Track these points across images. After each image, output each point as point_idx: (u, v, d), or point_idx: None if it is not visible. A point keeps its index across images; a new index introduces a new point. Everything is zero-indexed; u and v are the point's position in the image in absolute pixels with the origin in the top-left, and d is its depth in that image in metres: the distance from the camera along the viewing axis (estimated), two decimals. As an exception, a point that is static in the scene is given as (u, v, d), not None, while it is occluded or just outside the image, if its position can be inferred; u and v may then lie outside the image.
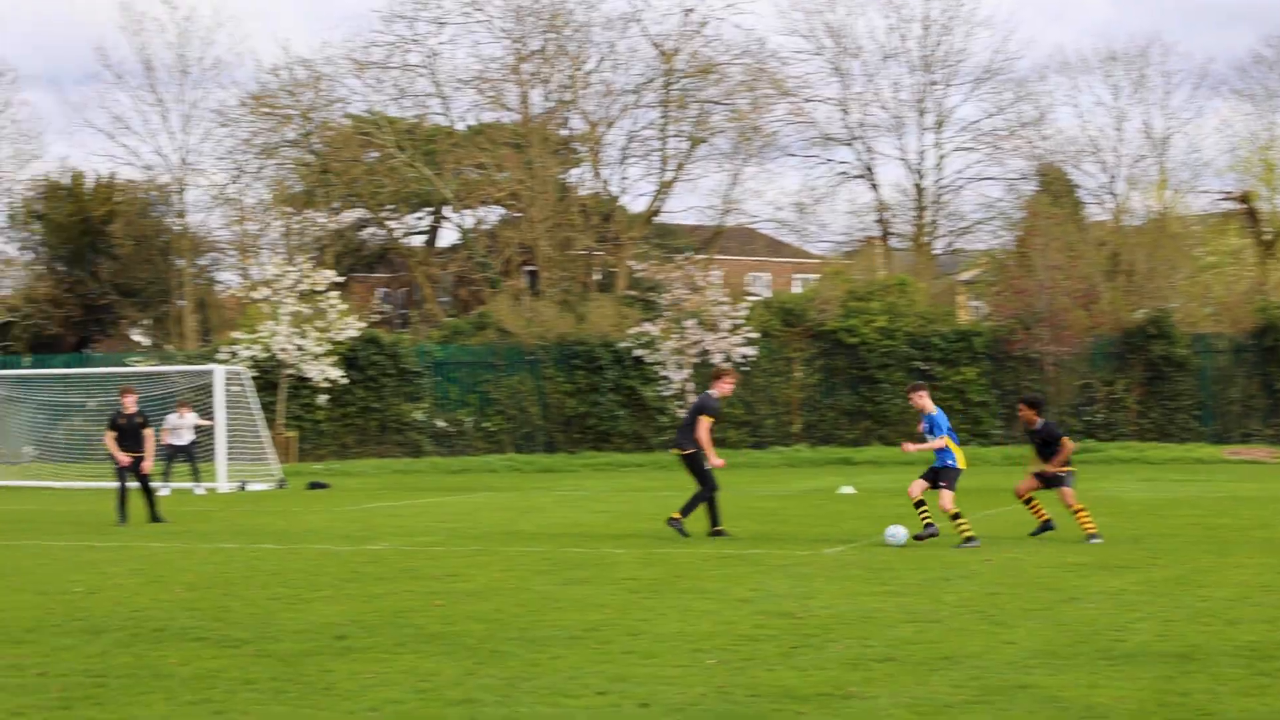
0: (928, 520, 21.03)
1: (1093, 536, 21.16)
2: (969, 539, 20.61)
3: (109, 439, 28.18)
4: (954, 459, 21.34)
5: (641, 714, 9.98)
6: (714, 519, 22.88)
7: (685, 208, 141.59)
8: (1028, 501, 22.24)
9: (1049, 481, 21.93)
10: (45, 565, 19.85)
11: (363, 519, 28.17)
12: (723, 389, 23.47)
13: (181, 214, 69.90)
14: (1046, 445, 22.04)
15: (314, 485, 40.99)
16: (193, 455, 39.38)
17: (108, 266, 72.71)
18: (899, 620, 13.89)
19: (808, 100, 68.59)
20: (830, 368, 54.67)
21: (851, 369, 54.48)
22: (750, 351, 52.84)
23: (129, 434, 27.98)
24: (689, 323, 52.53)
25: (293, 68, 67.31)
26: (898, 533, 20.74)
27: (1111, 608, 14.53)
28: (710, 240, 70.97)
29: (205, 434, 41.56)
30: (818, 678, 11.14)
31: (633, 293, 61.77)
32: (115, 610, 15.33)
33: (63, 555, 21.38)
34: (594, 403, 53.89)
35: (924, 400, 21.57)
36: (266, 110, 67.06)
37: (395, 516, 28.72)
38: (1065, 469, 21.84)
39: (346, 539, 23.57)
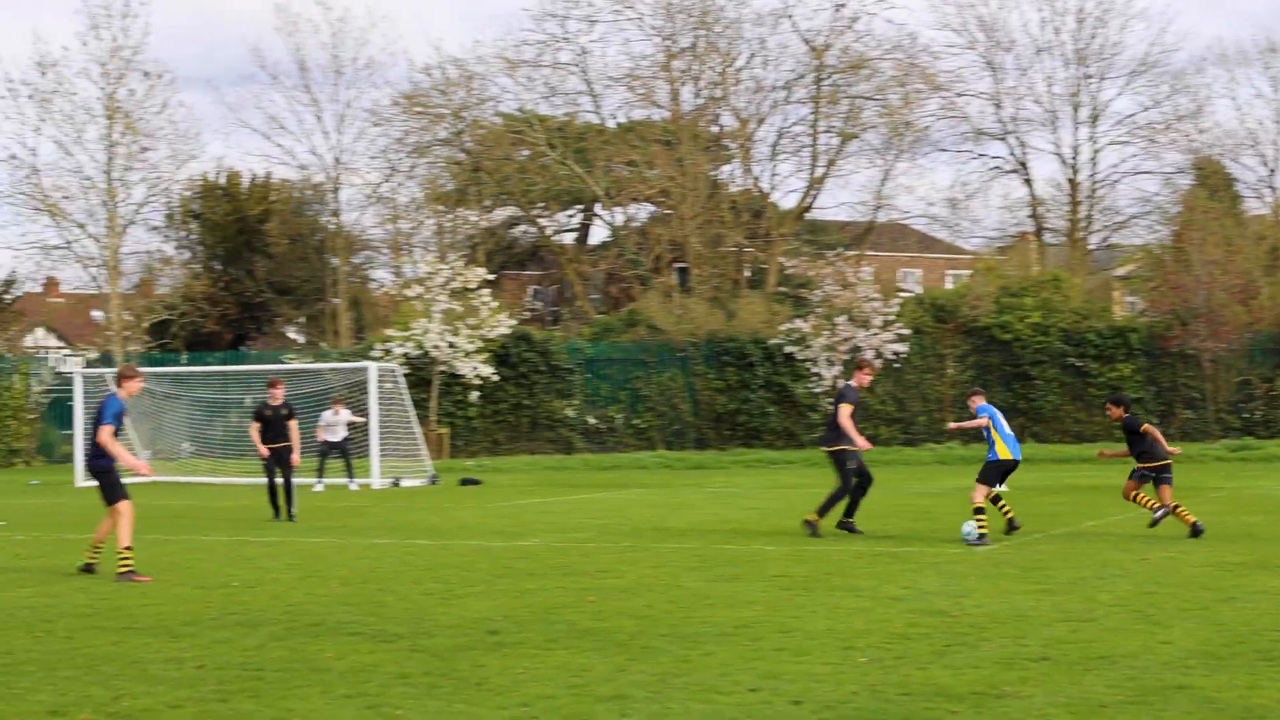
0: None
1: (1195, 527, 21.21)
2: (981, 536, 20.61)
3: (253, 430, 28.49)
4: (995, 452, 21.63)
5: (793, 711, 9.96)
6: (849, 510, 22.76)
7: (836, 204, 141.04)
8: (1134, 499, 22.10)
9: (1144, 478, 21.86)
10: (203, 560, 20.15)
11: (514, 515, 28.32)
12: (861, 379, 23.36)
13: (336, 213, 70.77)
14: (1130, 438, 22.13)
15: (466, 481, 41.28)
16: (346, 451, 39.82)
17: (263, 265, 73.71)
18: (1053, 619, 13.75)
19: (960, 95, 68.16)
20: (983, 364, 54.23)
21: (1005, 365, 54.02)
22: (902, 348, 52.54)
23: (274, 425, 28.19)
24: (840, 319, 52.32)
25: (445, 67, 67.94)
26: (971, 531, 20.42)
27: (1270, 607, 14.28)
28: (861, 236, 70.66)
29: (359, 431, 42.01)
30: (971, 676, 11.05)
31: (783, 289, 61.63)
32: (272, 604, 15.53)
33: (220, 550, 21.70)
34: (744, 399, 53.84)
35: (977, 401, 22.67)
36: (419, 109, 67.67)
37: (546, 513, 28.85)
38: (1160, 461, 21.76)
39: (498, 535, 23.71)
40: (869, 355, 51.38)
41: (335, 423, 39.68)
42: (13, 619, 14.68)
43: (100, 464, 18.18)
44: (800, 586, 16.31)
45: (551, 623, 13.86)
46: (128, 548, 18.20)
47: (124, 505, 18.17)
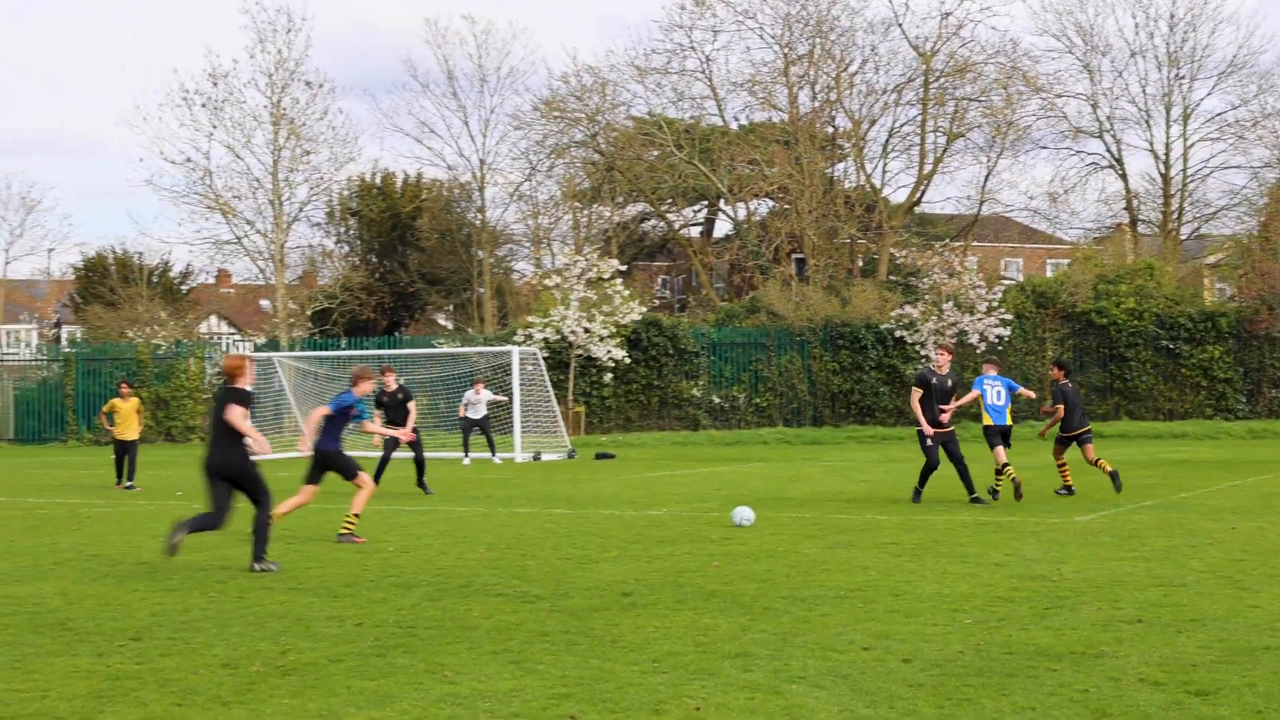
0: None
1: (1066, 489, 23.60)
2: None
3: (376, 416, 28.43)
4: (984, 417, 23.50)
5: (904, 669, 9.91)
6: (968, 487, 22.63)
7: (943, 198, 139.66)
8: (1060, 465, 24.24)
9: (1065, 442, 23.86)
10: (361, 527, 20.32)
11: (645, 487, 28.37)
12: (940, 363, 23.20)
13: (481, 209, 71.12)
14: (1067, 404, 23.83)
15: (601, 456, 41.39)
16: (487, 428, 40.01)
17: (415, 258, 74.28)
18: (1147, 584, 13.59)
19: (1059, 96, 67.31)
20: (1081, 347, 53.65)
21: (1101, 348, 53.43)
22: (1004, 332, 52.09)
23: (393, 409, 27.98)
24: (947, 305, 51.95)
25: (581, 75, 68.06)
26: (746, 514, 19.90)
27: (1356, 575, 14.04)
28: (967, 228, 70.10)
29: (501, 409, 42.22)
30: (1070, 637, 10.95)
31: (894, 278, 61.29)
32: (424, 567, 15.65)
33: (376, 518, 21.90)
34: (858, 380, 53.61)
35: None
36: (557, 114, 67.83)
37: (675, 484, 28.87)
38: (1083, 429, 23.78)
39: (630, 505, 23.76)
40: (975, 340, 51.06)
41: (477, 401, 39.86)
42: (189, 580, 14.90)
43: (331, 446, 18.34)
44: (910, 553, 16.23)
45: (680, 586, 13.87)
46: (356, 515, 18.66)
47: (364, 477, 18.34)
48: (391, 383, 27.79)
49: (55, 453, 50.33)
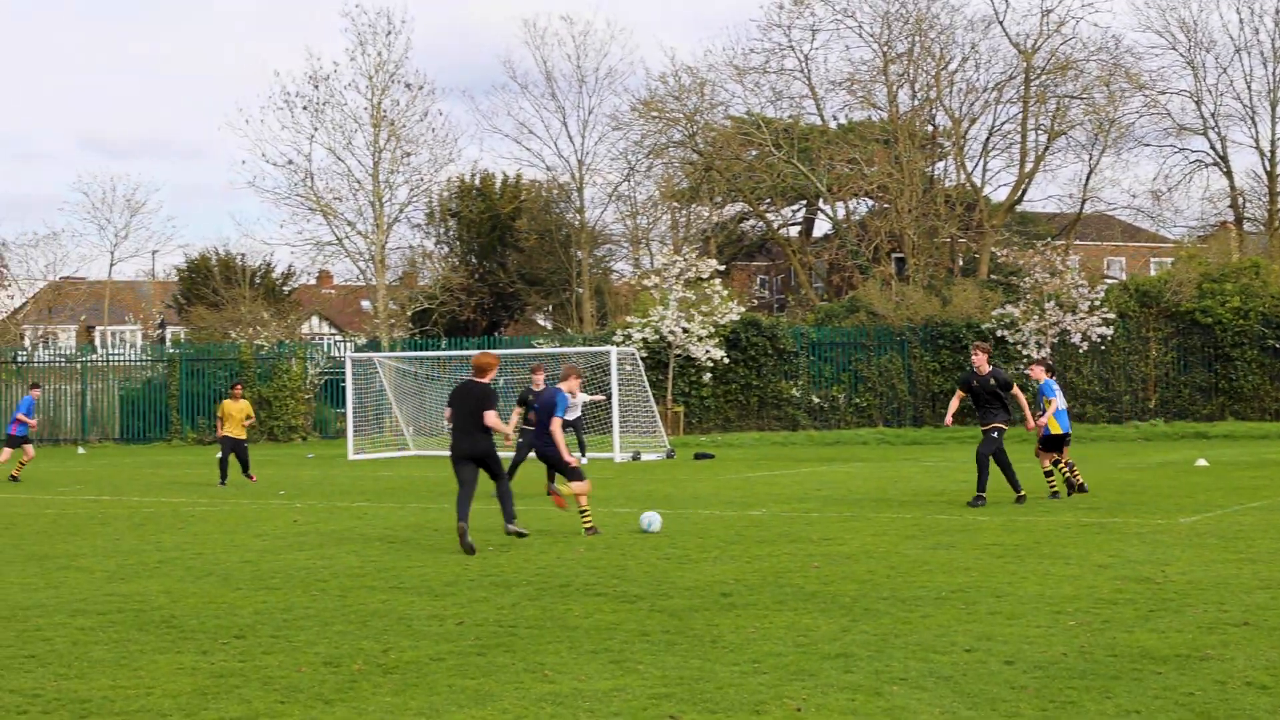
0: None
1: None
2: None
3: (515, 413, 28.57)
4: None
5: (1006, 671, 9.85)
6: (979, 486, 22.80)
7: (1045, 196, 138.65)
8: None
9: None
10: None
11: (744, 487, 28.34)
12: (976, 363, 23.18)
13: (580, 210, 71.32)
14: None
15: (700, 456, 41.35)
16: (579, 429, 40.04)
17: (514, 258, 74.65)
18: (1254, 586, 13.41)
19: (1162, 93, 66.57)
20: (1185, 346, 53.02)
21: (1206, 347, 52.77)
22: (1107, 332, 51.56)
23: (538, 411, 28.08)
24: (1049, 305, 51.50)
25: (679, 75, 68.07)
26: (652, 520, 19.70)
27: None
28: (1069, 227, 69.52)
29: (600, 408, 42.29)
30: (1175, 640, 10.83)
31: (995, 277, 60.84)
32: (524, 567, 15.71)
33: (476, 518, 21.98)
34: (959, 380, 53.28)
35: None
36: (656, 114, 67.89)
37: (774, 485, 28.82)
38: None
39: (730, 505, 23.74)
40: (1077, 339, 50.63)
41: (574, 404, 39.92)
42: (292, 579, 15.04)
43: (550, 452, 19.44)
44: (1012, 554, 16.11)
45: (780, 586, 13.85)
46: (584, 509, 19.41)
47: (584, 485, 19.24)
48: (540, 382, 27.86)
49: (159, 452, 50.96)
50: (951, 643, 10.85)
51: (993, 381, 22.60)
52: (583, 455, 39.68)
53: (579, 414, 39.82)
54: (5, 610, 13.17)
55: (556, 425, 19.23)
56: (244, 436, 31.95)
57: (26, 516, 23.48)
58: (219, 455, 31.98)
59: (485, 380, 18.01)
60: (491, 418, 17.74)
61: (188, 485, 31.60)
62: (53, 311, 75.45)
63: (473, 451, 17.95)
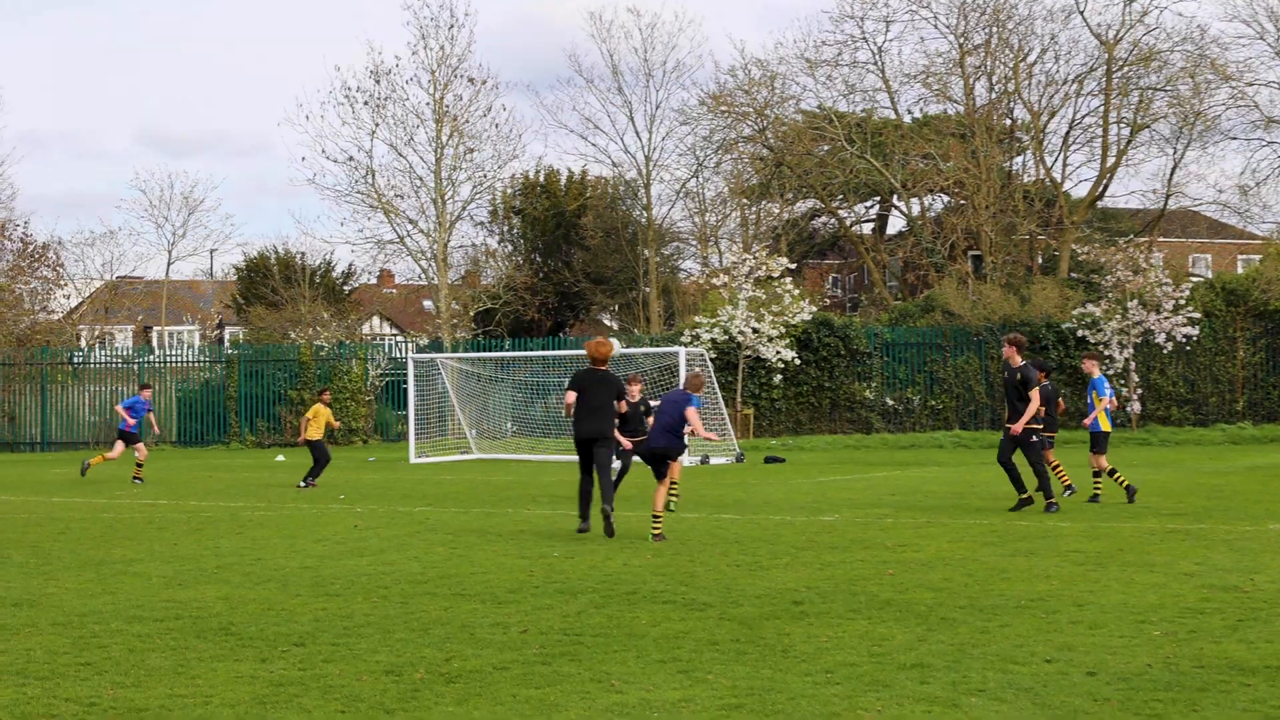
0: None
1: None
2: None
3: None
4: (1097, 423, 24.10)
5: (1089, 682, 9.77)
6: (1017, 487, 22.84)
7: (1127, 192, 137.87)
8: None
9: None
10: (525, 532, 20.48)
11: (816, 491, 28.27)
12: (1007, 354, 23.02)
13: (647, 207, 71.31)
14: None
15: (770, 459, 41.29)
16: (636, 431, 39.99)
17: (580, 256, 74.76)
18: (1349, 596, 13.26)
19: (1249, 84, 65.96)
20: (1275, 346, 52.52)
21: (1297, 348, 52.31)
22: (1192, 331, 51.12)
23: (630, 419, 28.28)
24: (1131, 304, 51.13)
25: (748, 68, 68.00)
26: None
27: None
28: (1152, 223, 68.98)
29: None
30: (1265, 651, 10.72)
31: (1075, 275, 60.47)
32: (590, 574, 15.72)
33: (540, 522, 22.03)
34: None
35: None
36: (724, 109, 67.85)
37: (847, 489, 28.73)
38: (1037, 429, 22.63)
39: (801, 510, 23.69)
40: (1162, 340, 50.25)
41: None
42: (352, 585, 15.10)
43: (677, 444, 19.68)
44: (1094, 562, 16.00)
45: (853, 594, 13.80)
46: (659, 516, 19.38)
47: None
48: (636, 392, 27.91)
49: (217, 455, 51.33)
50: (1031, 653, 10.78)
51: (1018, 376, 22.54)
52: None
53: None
54: (61, 617, 13.28)
55: (694, 414, 19.49)
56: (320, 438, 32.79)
57: (82, 521, 23.68)
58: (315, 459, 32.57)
59: (605, 369, 19.79)
60: (693, 415, 19.47)
61: (246, 489, 31.80)
62: (109, 311, 76.21)
63: (598, 432, 19.66)
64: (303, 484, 31.93)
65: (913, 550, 17.37)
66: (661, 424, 19.74)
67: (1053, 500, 22.31)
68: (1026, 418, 22.28)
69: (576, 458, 20.92)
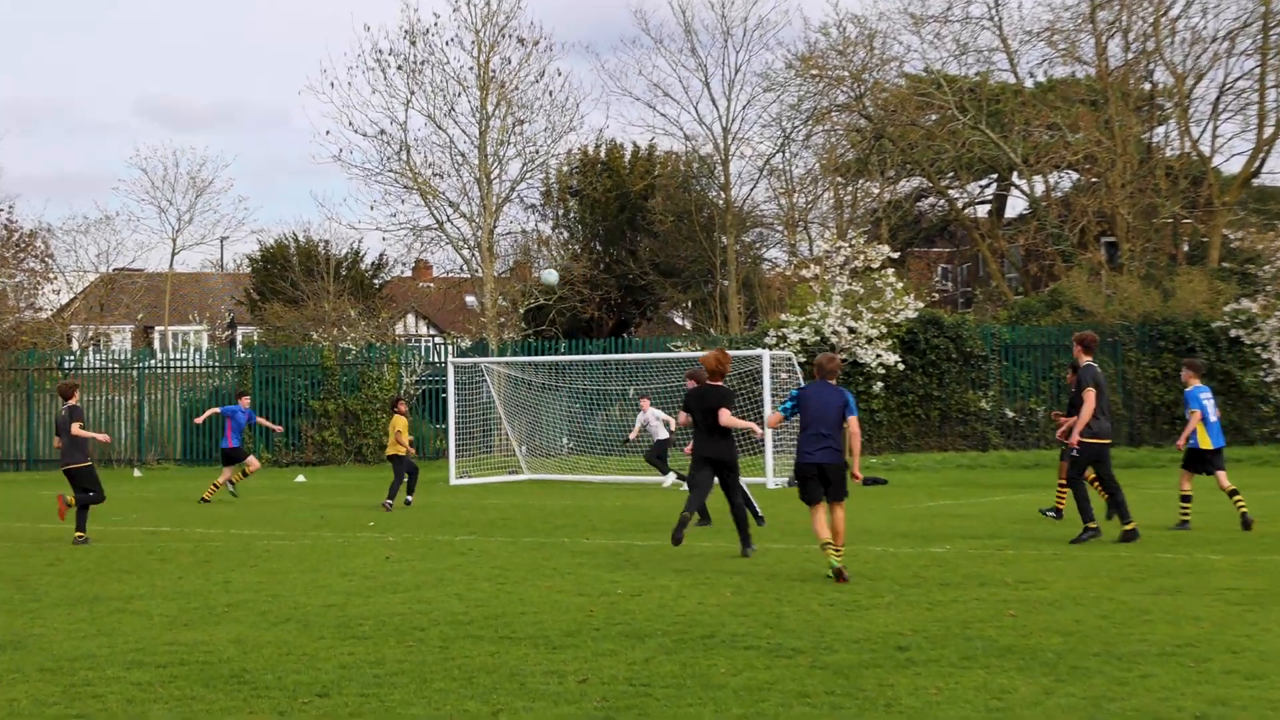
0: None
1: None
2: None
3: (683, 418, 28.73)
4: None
5: (1246, 743, 9.69)
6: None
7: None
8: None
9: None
10: (584, 564, 20.48)
11: (924, 518, 28.18)
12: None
13: (725, 187, 71.35)
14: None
15: (870, 481, 41.03)
16: (664, 453, 39.92)
17: (647, 245, 74.86)
18: None
19: None
20: None
21: None
22: (1366, 331, 50.81)
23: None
24: (1294, 298, 50.86)
25: (843, 25, 68.11)
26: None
27: None
28: (1318, 204, 68.56)
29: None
30: None
31: (1227, 265, 60.08)
32: (659, 614, 15.70)
33: (602, 553, 22.03)
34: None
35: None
36: (815, 72, 67.81)
37: (959, 516, 28.64)
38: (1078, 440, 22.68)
39: (906, 540, 23.61)
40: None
41: (656, 422, 39.85)
42: (384, 626, 15.13)
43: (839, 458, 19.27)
44: (1252, 601, 15.88)
45: (967, 638, 13.74)
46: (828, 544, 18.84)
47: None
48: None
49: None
50: (1178, 708, 10.72)
51: (1073, 388, 22.80)
52: (664, 476, 39.68)
53: (666, 435, 39.72)
54: (50, 661, 13.36)
55: (856, 425, 19.18)
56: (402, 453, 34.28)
57: (75, 551, 23.86)
58: (396, 478, 33.95)
59: (720, 384, 21.22)
60: (726, 416, 20.99)
61: (261, 515, 31.96)
62: (105, 309, 76.72)
63: (714, 452, 21.23)
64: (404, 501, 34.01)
65: (1037, 588, 17.29)
66: (817, 431, 18.89)
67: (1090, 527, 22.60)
68: (1080, 426, 22.34)
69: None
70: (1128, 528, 22.46)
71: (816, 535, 18.67)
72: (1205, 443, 24.52)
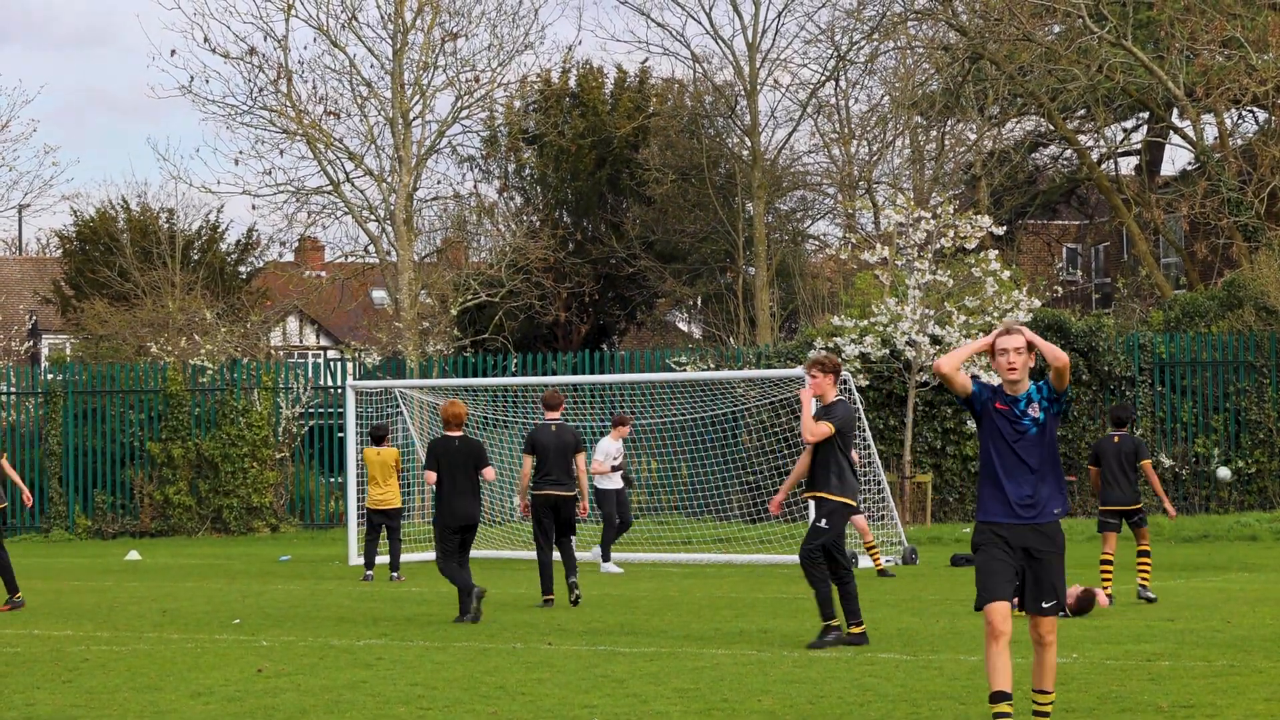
0: None
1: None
2: None
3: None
4: None
5: None
6: None
7: None
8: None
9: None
10: (544, 681, 20.56)
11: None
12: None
13: (751, 131, 71.42)
14: None
15: (960, 560, 41.16)
16: (618, 512, 40.07)
17: (637, 215, 74.89)
18: None
19: None
20: None
21: None
22: None
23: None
24: None
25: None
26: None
27: None
28: None
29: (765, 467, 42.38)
30: None
31: None
32: None
33: (569, 665, 22.11)
34: None
35: None
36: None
37: (1092, 611, 28.74)
38: None
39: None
40: None
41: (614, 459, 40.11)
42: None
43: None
44: None
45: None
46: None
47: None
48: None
49: (31, 550, 51.53)
50: None
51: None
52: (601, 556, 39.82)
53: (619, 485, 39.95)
54: None
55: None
56: (398, 504, 34.99)
57: None
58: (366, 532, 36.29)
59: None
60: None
61: (77, 607, 32.02)
62: None
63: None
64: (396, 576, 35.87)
65: (1205, 714, 17.39)
66: None
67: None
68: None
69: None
70: None
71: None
72: None
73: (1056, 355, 16.20)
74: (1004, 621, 16.42)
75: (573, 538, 31.07)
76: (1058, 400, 16.35)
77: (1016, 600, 16.68)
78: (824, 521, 23.66)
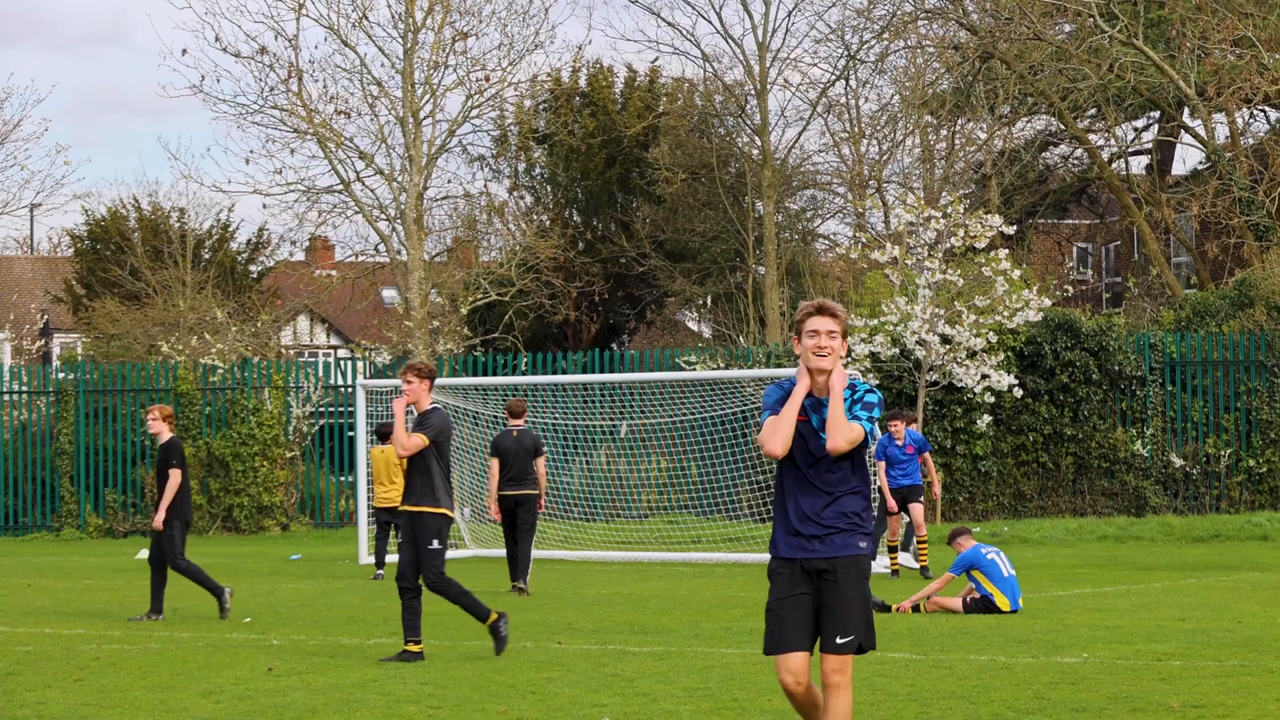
0: None
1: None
2: None
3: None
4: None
5: None
6: None
7: None
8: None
9: None
10: (554, 681, 20.54)
11: (1050, 613, 28.25)
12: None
13: (761, 131, 71.44)
14: None
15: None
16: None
17: (647, 214, 74.88)
18: None
19: None
20: None
21: None
22: None
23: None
24: None
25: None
26: None
27: None
28: None
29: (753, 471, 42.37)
30: None
31: None
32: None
33: (580, 664, 22.09)
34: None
35: None
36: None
37: (1101, 610, 28.70)
38: None
39: (1024, 645, 23.68)
40: None
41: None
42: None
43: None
44: None
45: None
46: None
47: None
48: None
49: (41, 548, 51.50)
50: None
51: None
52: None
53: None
54: None
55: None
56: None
57: None
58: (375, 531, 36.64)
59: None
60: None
61: (89, 606, 32.00)
62: None
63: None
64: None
65: (1216, 714, 17.38)
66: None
67: None
68: None
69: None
70: None
71: None
72: None
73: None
74: None
75: (531, 539, 34.10)
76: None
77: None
78: None
